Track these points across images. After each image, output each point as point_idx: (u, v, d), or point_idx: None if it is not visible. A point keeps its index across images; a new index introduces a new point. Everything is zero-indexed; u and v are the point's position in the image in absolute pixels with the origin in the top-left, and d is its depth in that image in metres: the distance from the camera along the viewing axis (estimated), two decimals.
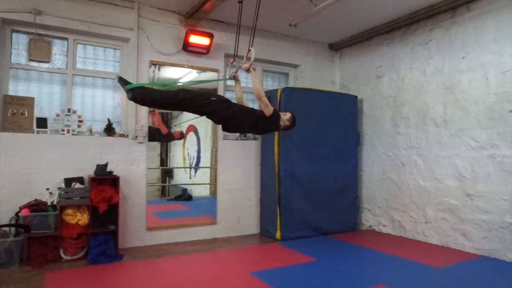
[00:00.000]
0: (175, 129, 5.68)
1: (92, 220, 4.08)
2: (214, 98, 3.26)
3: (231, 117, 3.29)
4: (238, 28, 3.54)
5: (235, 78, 3.46)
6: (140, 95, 3.14)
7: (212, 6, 4.48)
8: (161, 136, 5.36)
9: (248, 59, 3.29)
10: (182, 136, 5.58)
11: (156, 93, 3.25)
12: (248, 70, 3.27)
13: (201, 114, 3.34)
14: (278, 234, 5.09)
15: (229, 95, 5.63)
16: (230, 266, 3.95)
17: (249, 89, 5.31)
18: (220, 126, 5.31)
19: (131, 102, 4.65)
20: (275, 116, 3.35)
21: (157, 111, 5.15)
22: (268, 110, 3.27)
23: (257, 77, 3.33)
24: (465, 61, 4.55)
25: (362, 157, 5.97)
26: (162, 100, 3.22)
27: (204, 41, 5.01)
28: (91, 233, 4.07)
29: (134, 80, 4.70)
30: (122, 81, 3.18)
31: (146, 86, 3.21)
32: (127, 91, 3.10)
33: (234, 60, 3.48)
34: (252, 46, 3.34)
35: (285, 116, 3.42)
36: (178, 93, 3.19)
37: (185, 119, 5.71)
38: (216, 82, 5.32)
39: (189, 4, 4.71)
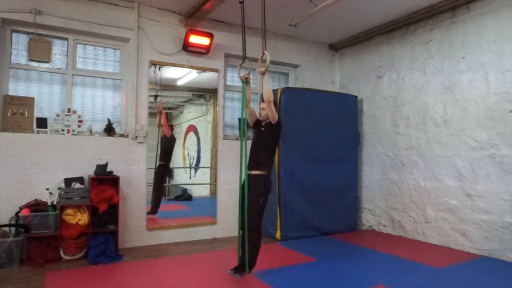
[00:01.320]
0: (174, 128, 5.64)
1: (92, 220, 4.08)
2: (265, 198, 3.47)
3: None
4: (243, 29, 3.51)
5: (247, 80, 3.46)
6: (257, 245, 3.39)
7: (212, 6, 4.48)
8: (167, 142, 5.30)
9: (263, 61, 3.30)
10: (172, 128, 5.52)
11: (253, 236, 3.36)
12: (263, 74, 3.30)
13: None
14: (278, 234, 5.08)
15: (228, 95, 5.64)
16: (230, 266, 3.93)
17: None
18: (221, 127, 5.37)
19: (131, 102, 4.71)
20: (280, 119, 3.48)
21: (163, 111, 5.14)
22: (274, 116, 3.38)
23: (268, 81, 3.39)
24: (465, 61, 4.55)
25: (362, 157, 5.97)
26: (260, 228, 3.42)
27: (204, 41, 5.01)
28: (91, 233, 4.07)
29: (134, 79, 4.71)
30: (240, 270, 3.35)
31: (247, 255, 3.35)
32: (249, 271, 3.34)
33: (243, 61, 3.47)
34: (265, 49, 3.34)
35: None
36: (255, 218, 3.37)
37: (185, 119, 5.72)
38: (216, 81, 5.32)
39: (189, 4, 4.71)
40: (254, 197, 3.37)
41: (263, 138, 3.48)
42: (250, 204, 3.34)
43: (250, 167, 3.42)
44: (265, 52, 3.31)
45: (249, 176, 3.41)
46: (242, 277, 3.31)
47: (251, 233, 3.32)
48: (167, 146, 5.28)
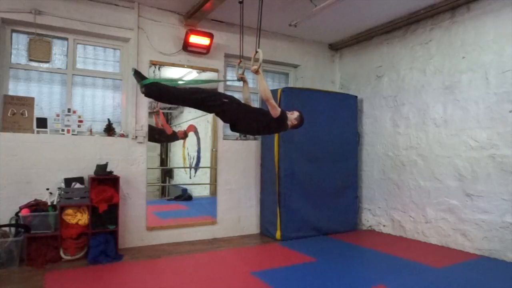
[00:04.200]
0: (178, 129, 5.66)
1: (92, 220, 4.08)
2: (226, 100, 3.29)
3: (241, 118, 3.34)
4: (241, 29, 3.53)
5: (242, 79, 3.46)
6: (155, 90, 3.13)
7: (212, 6, 4.48)
8: (164, 137, 5.33)
9: (256, 60, 3.29)
10: (185, 135, 5.55)
11: (171, 89, 3.22)
12: (256, 72, 3.28)
13: (211, 113, 3.39)
14: (278, 234, 5.09)
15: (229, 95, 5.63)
16: (230, 266, 3.95)
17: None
18: (221, 127, 5.37)
19: (131, 102, 4.71)
20: (283, 117, 3.40)
21: (161, 111, 5.15)
22: (275, 111, 3.31)
23: (264, 78, 3.34)
24: (465, 61, 4.55)
25: (362, 157, 5.97)
26: (177, 95, 3.22)
27: (204, 41, 5.01)
28: (91, 233, 4.06)
29: (134, 79, 4.70)
30: (138, 75, 3.15)
31: (160, 82, 3.18)
32: (142, 86, 3.07)
33: (241, 61, 3.48)
34: (259, 47, 3.33)
35: (293, 116, 3.48)
36: (193, 91, 3.23)
37: (185, 119, 5.71)
38: (217, 82, 5.32)
39: (189, 4, 4.71)
40: (223, 95, 3.32)
41: (259, 118, 3.41)
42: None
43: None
44: (258, 50, 3.29)
45: None
46: (133, 74, 3.20)
47: (188, 90, 3.27)
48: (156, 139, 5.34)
